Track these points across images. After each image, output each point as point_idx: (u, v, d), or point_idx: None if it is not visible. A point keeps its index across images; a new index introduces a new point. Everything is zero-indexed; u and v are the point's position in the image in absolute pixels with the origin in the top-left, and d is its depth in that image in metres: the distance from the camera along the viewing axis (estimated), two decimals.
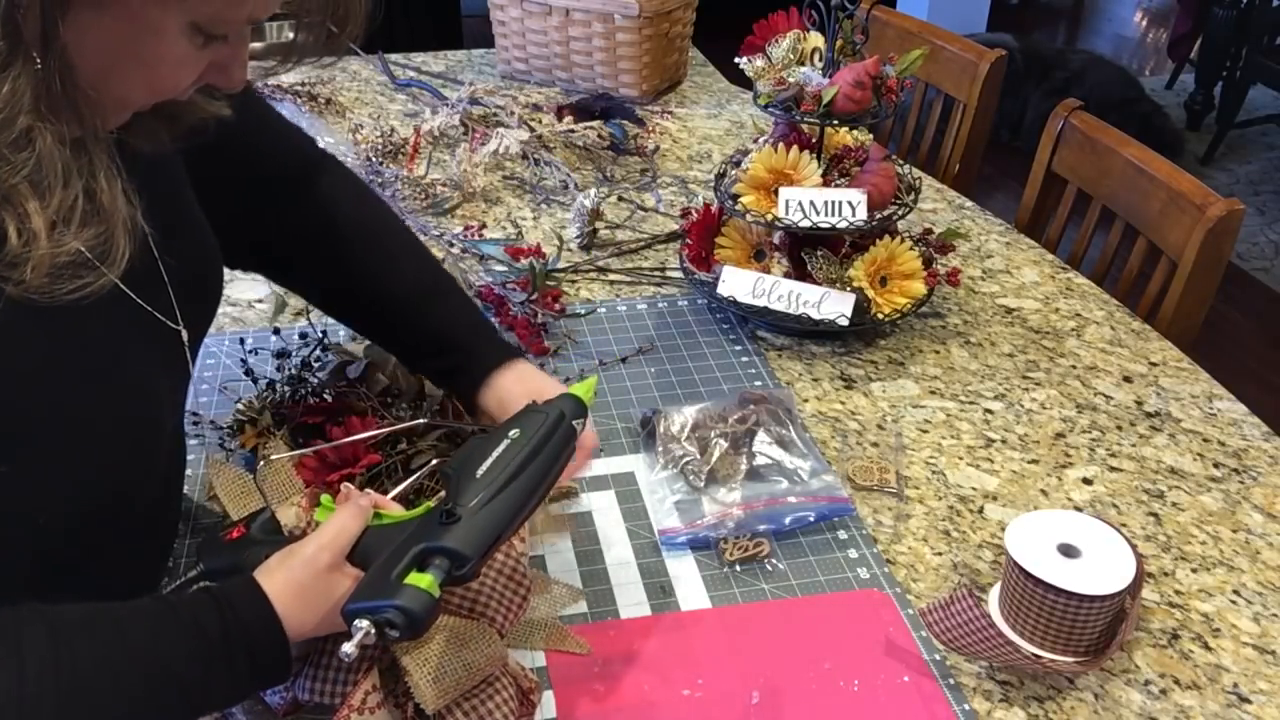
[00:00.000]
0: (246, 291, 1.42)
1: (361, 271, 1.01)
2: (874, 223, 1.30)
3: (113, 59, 0.63)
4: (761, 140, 1.41)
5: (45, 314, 0.65)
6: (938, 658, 0.91)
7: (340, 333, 1.25)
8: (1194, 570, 1.01)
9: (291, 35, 0.75)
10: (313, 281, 1.05)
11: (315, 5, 0.71)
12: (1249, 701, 0.88)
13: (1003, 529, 1.02)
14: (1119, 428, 1.20)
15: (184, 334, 0.84)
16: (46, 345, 0.69)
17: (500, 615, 0.85)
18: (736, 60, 1.36)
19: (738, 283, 1.32)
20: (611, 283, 1.48)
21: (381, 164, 1.75)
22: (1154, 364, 1.32)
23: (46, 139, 0.61)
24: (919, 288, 1.34)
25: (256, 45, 0.75)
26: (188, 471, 1.01)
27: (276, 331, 1.29)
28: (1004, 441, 1.18)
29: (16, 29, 0.58)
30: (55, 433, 0.69)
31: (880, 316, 1.32)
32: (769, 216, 1.29)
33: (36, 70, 0.59)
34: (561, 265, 1.49)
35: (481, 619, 0.83)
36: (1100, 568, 0.87)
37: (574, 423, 0.84)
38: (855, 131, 1.40)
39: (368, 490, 0.84)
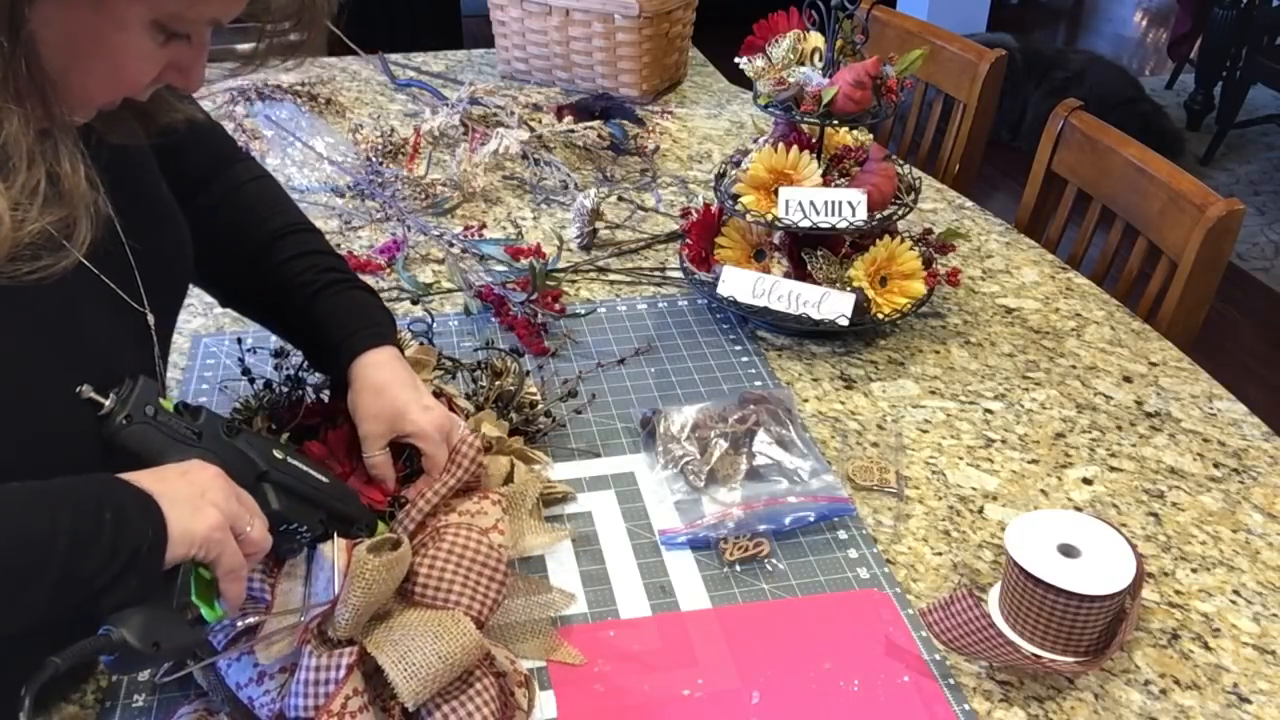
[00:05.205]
0: None
1: (265, 269, 0.99)
2: (874, 223, 1.30)
3: (77, 49, 0.65)
4: (761, 140, 1.40)
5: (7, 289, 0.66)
6: (938, 658, 0.91)
7: None
8: (1194, 570, 1.01)
9: (254, 42, 0.76)
10: (215, 278, 1.03)
11: (279, 13, 0.72)
12: (1249, 701, 0.88)
13: (1003, 529, 1.02)
14: (1119, 428, 1.20)
15: (150, 318, 0.84)
16: (8, 314, 0.69)
17: (476, 605, 0.84)
18: (736, 60, 1.36)
19: (738, 283, 1.32)
20: (611, 283, 1.48)
21: (381, 164, 1.75)
22: (1154, 364, 1.32)
23: (13, 123, 0.62)
24: (919, 288, 1.34)
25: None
26: None
27: None
28: (1004, 441, 1.18)
29: None
30: (12, 407, 0.70)
31: (880, 316, 1.32)
32: (769, 216, 1.29)
33: (4, 56, 0.61)
34: (561, 265, 1.49)
35: (456, 609, 0.83)
36: (1100, 568, 0.87)
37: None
38: (855, 131, 1.40)
39: None
